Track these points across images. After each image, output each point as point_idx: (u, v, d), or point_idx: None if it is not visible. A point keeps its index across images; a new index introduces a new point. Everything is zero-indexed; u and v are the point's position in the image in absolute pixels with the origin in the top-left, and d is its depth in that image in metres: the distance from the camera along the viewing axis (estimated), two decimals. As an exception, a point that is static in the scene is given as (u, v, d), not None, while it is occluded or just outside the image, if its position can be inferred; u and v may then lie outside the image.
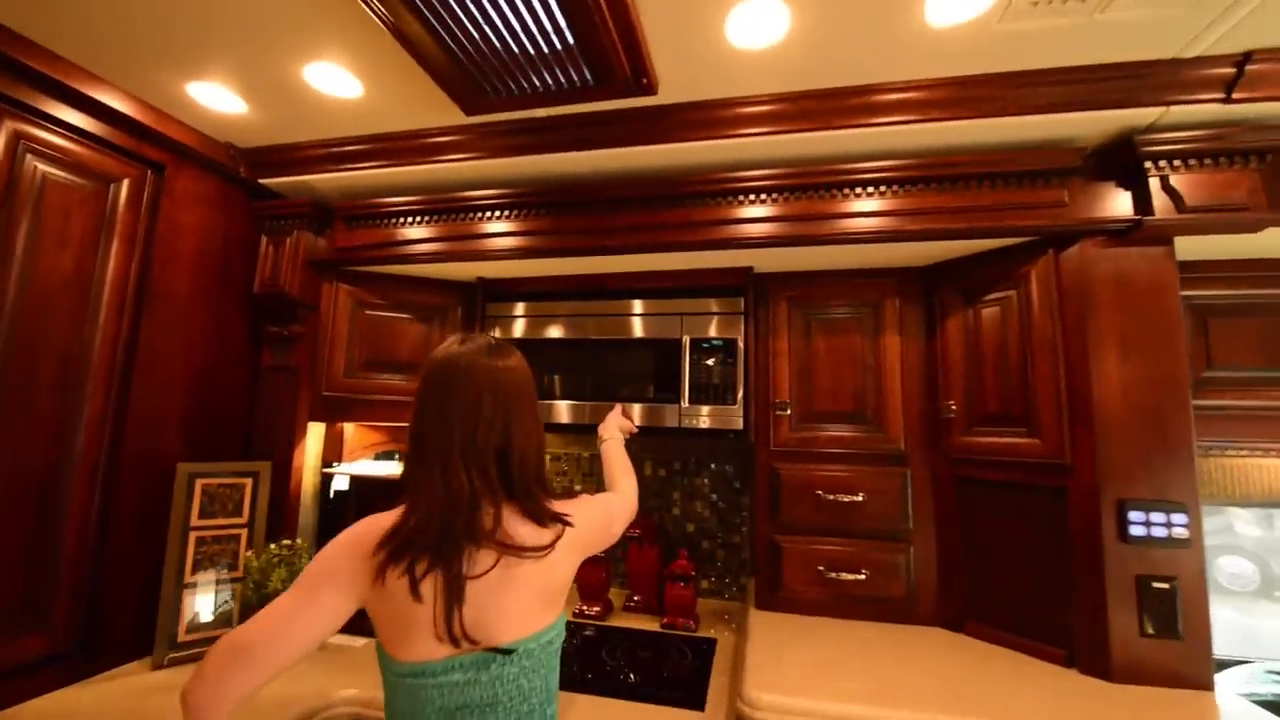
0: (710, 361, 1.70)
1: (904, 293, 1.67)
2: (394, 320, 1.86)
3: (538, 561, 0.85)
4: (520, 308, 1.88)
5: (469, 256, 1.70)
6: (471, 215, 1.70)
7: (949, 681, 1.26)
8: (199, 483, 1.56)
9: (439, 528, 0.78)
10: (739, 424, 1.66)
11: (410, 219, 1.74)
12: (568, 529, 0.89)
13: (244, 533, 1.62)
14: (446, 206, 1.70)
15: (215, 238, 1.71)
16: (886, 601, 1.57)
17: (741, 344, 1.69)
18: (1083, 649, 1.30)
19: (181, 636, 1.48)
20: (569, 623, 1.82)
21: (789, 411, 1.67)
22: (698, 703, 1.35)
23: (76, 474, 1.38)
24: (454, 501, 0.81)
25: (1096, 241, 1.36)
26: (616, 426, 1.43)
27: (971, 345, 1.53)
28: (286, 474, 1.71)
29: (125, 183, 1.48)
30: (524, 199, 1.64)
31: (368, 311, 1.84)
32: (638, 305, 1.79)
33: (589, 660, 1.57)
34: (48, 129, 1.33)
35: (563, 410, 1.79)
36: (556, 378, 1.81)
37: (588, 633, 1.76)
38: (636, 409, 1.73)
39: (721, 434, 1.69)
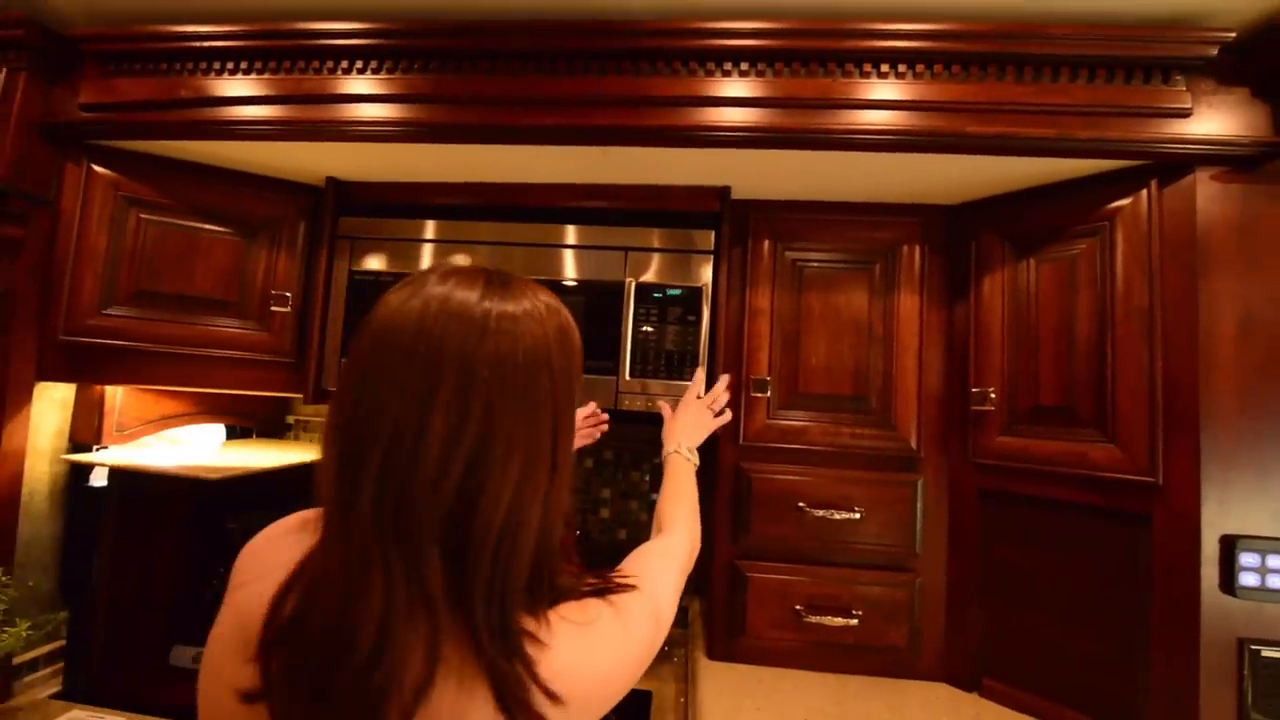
0: (663, 318, 1.20)
1: (929, 238, 1.23)
2: (191, 232, 1.22)
3: None
4: (388, 227, 1.29)
5: (319, 131, 1.09)
6: (323, 65, 1.09)
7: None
8: None
9: (325, 652, 0.40)
10: (698, 407, 1.19)
11: (219, 64, 1.10)
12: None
13: (-104, 559, 0.99)
14: (282, 47, 1.08)
15: None
16: (883, 652, 1.17)
17: (709, 296, 1.20)
18: (1154, 733, 0.94)
19: None
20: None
21: (768, 393, 1.21)
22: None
23: None
24: (351, 613, 0.40)
25: (1217, 173, 0.96)
26: (696, 428, 0.98)
27: (1022, 313, 1.12)
28: (-10, 462, 1.08)
29: None
30: (401, 42, 1.05)
31: (145, 215, 1.19)
32: (568, 233, 1.26)
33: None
34: None
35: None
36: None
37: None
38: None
39: (673, 420, 1.21)
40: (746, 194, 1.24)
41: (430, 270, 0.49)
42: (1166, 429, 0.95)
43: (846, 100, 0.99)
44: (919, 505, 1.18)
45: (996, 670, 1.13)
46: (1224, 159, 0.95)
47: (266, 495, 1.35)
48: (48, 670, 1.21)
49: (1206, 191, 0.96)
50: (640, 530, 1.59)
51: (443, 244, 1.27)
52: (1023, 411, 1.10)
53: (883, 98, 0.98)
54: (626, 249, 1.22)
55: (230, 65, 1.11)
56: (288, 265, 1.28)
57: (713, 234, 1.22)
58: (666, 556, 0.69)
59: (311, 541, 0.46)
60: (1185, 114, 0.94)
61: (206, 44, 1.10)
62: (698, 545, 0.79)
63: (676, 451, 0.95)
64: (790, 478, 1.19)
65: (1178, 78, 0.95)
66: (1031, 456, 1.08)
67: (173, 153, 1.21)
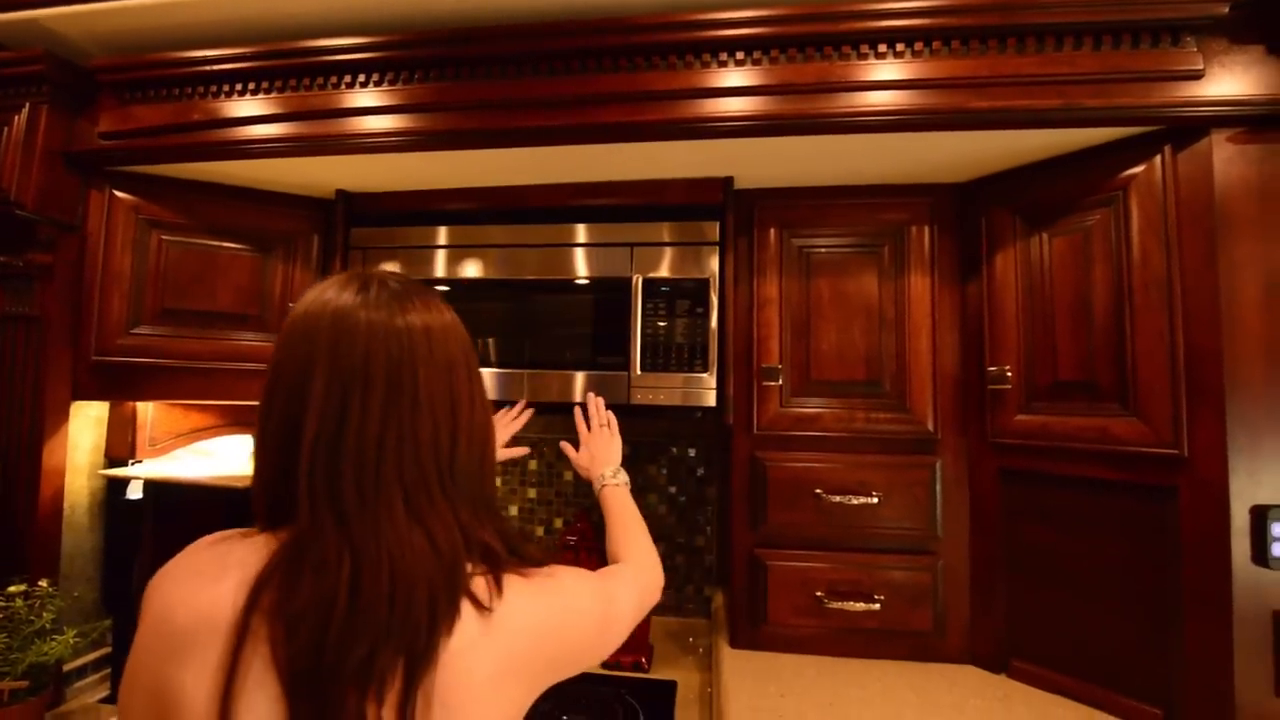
0: (672, 311, 1.21)
1: (938, 217, 1.22)
2: (211, 251, 1.26)
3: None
4: (398, 235, 1.32)
5: (327, 145, 1.12)
6: (327, 80, 1.11)
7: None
8: None
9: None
10: (711, 399, 1.19)
11: (229, 86, 1.13)
12: (505, 639, 0.48)
13: (-48, 575, 1.04)
14: (288, 65, 1.11)
15: (-113, 110, 1.06)
16: (907, 636, 1.16)
17: (716, 287, 1.21)
18: (1190, 708, 0.92)
19: None
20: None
21: (780, 381, 1.21)
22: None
23: None
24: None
25: (1233, 134, 0.93)
26: (609, 450, 0.97)
27: (1036, 288, 1.10)
28: (33, 480, 1.13)
29: None
30: (401, 53, 1.07)
31: (166, 236, 1.23)
32: (576, 232, 1.27)
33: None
34: None
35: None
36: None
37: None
38: (579, 379, 1.23)
39: (686, 412, 1.22)
40: (750, 183, 1.24)
41: (336, 281, 0.53)
42: (1190, 399, 0.93)
43: (846, 83, 0.98)
44: (938, 488, 1.17)
45: (1024, 651, 1.12)
46: (1240, 119, 0.93)
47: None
48: (96, 676, 1.26)
49: (1223, 154, 0.93)
50: (658, 523, 1.60)
51: (453, 249, 1.29)
52: (1041, 388, 1.09)
53: (882, 78, 0.97)
54: (632, 244, 1.23)
55: (239, 86, 1.14)
56: (304, 277, 1.32)
57: (718, 225, 1.22)
58: (619, 580, 0.70)
59: (245, 552, 0.47)
60: (1197, 75, 0.92)
61: (215, 67, 1.13)
62: (657, 584, 0.77)
63: (604, 484, 0.91)
64: (806, 465, 1.19)
65: (1188, 39, 0.92)
66: (1051, 433, 1.06)
67: (189, 174, 1.24)
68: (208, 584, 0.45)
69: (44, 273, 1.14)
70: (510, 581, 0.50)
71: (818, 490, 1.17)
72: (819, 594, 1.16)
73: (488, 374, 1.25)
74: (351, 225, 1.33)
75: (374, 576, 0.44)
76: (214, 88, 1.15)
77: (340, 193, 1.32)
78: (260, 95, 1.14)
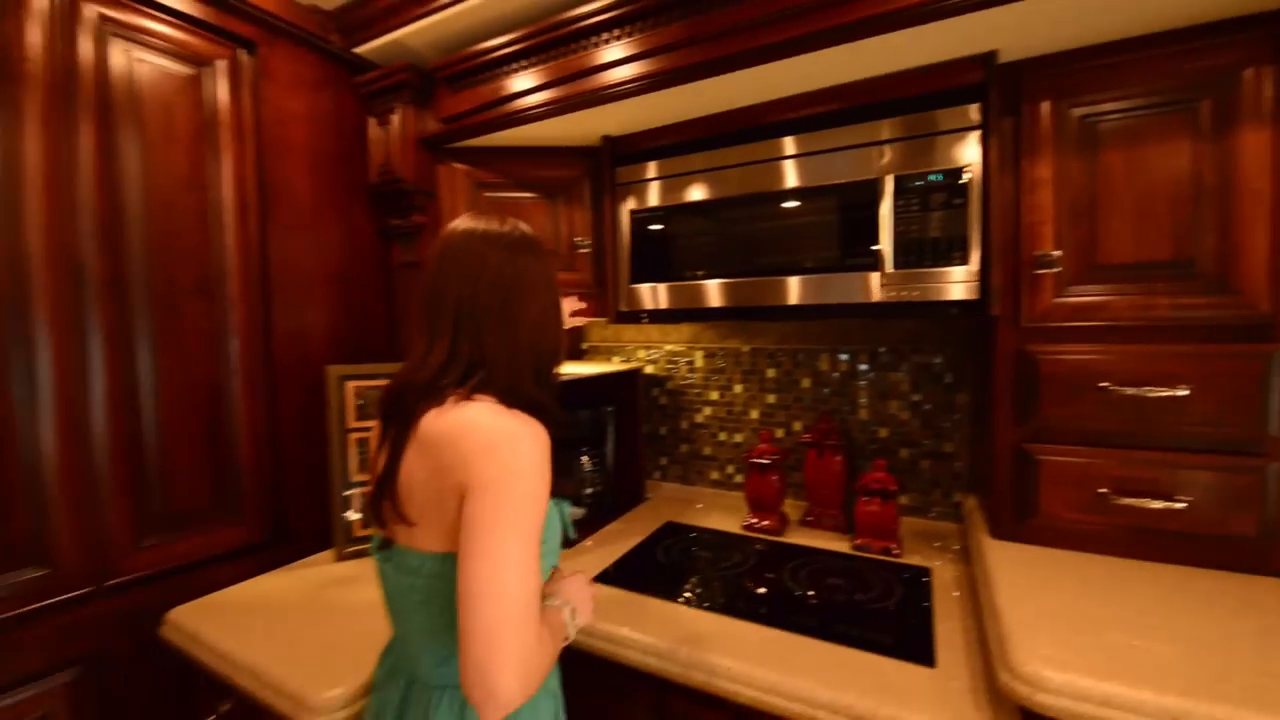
0: (926, 206, 1.20)
1: (1278, 54, 0.98)
2: (515, 201, 1.60)
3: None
4: (655, 168, 1.50)
5: (587, 100, 1.34)
6: (582, 44, 1.32)
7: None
8: (350, 385, 1.51)
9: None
10: (967, 292, 1.17)
11: (513, 65, 1.42)
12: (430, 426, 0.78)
13: (396, 437, 1.57)
14: (551, 39, 1.34)
15: (327, 127, 1.55)
16: (1221, 542, 1.05)
17: (976, 174, 1.16)
18: None
19: (357, 531, 1.50)
20: (737, 536, 1.58)
21: (1057, 269, 1.13)
22: (921, 654, 1.02)
23: (238, 381, 1.38)
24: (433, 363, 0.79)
25: None
26: (585, 601, 0.89)
27: None
28: (428, 378, 1.62)
29: (219, 66, 1.33)
30: (639, 4, 1.21)
31: (487, 194, 1.60)
32: (815, 140, 1.32)
33: (764, 579, 1.31)
34: (127, 6, 1.19)
35: (711, 293, 1.43)
36: (703, 252, 1.44)
37: (759, 547, 1.51)
38: (830, 281, 1.31)
39: (942, 308, 1.21)
40: (1016, 54, 1.14)
41: (468, 216, 0.86)
42: None
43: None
44: (1274, 379, 1.00)
45: (1404, 569, 0.93)
46: None
47: (577, 395, 1.78)
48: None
49: None
50: (900, 428, 1.63)
51: (701, 173, 1.44)
52: None
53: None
54: (880, 143, 1.23)
55: (519, 64, 1.41)
56: (582, 215, 1.60)
57: (966, 109, 1.16)
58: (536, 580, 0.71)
59: None
60: None
61: (500, 52, 1.40)
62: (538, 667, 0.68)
63: (563, 606, 0.82)
64: (1086, 357, 1.11)
65: None
66: None
67: (496, 142, 1.58)
68: None
69: (420, 230, 1.59)
70: (474, 403, 0.75)
71: (1103, 383, 1.09)
72: (1102, 490, 1.10)
73: (749, 283, 1.39)
74: (616, 165, 1.56)
75: (403, 377, 0.80)
76: (503, 68, 1.43)
77: (605, 139, 1.55)
78: (536, 67, 1.39)
